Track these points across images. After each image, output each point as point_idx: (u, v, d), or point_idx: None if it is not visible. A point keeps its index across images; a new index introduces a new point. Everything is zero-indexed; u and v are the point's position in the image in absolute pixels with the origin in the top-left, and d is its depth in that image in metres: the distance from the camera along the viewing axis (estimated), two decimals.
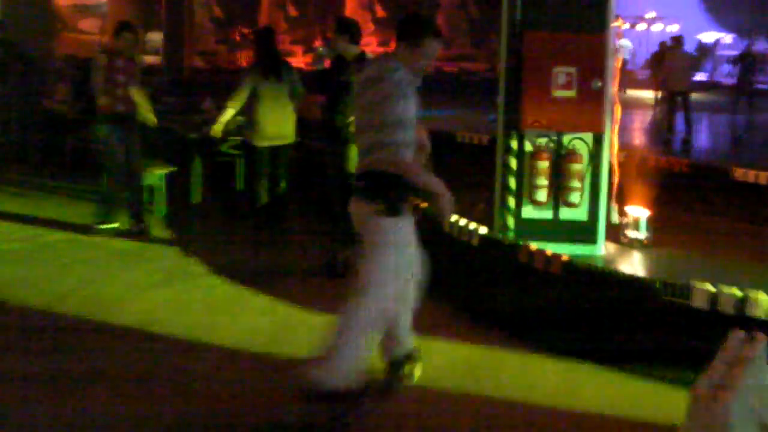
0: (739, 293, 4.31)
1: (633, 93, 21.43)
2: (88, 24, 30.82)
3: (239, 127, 8.07)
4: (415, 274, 4.12)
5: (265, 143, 7.23)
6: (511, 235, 5.97)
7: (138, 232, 7.35)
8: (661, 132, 14.39)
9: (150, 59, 23.16)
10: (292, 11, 33.14)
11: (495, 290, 5.36)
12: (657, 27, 31.72)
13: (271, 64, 7.23)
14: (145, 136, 7.61)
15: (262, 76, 7.18)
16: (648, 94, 20.07)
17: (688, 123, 13.78)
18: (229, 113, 7.29)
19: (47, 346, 4.82)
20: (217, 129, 7.47)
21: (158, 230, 7.58)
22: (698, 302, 4.37)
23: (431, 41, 3.89)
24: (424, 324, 4.52)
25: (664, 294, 4.46)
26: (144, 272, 6.27)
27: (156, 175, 8.17)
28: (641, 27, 31.78)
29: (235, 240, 7.38)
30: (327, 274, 6.21)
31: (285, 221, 7.58)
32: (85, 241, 7.13)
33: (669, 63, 14.05)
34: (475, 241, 5.49)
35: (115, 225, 7.38)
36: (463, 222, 5.64)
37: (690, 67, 14.19)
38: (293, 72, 7.39)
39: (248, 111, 7.26)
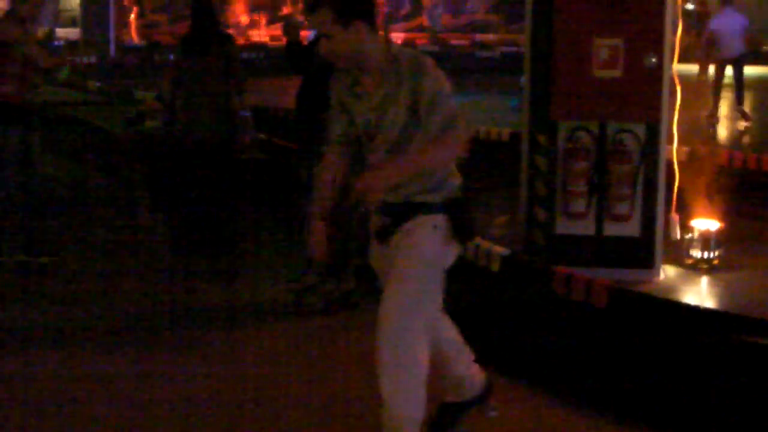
0: None
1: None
2: None
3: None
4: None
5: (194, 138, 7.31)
6: (541, 256, 6.01)
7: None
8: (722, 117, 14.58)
9: (65, 33, 23.19)
10: None
11: (520, 329, 5.38)
12: None
13: (197, 34, 7.35)
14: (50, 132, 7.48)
15: (190, 49, 7.33)
16: (693, 68, 20.09)
17: (739, 98, 13.97)
18: None
19: None
20: None
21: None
22: None
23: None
24: None
25: (743, 332, 4.48)
26: None
27: None
28: None
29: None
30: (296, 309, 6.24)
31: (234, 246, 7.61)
32: None
33: (716, 24, 14.29)
34: (494, 266, 5.52)
35: None
36: (479, 242, 5.67)
37: (742, 28, 14.39)
38: (233, 46, 7.50)
39: (175, 95, 7.39)
